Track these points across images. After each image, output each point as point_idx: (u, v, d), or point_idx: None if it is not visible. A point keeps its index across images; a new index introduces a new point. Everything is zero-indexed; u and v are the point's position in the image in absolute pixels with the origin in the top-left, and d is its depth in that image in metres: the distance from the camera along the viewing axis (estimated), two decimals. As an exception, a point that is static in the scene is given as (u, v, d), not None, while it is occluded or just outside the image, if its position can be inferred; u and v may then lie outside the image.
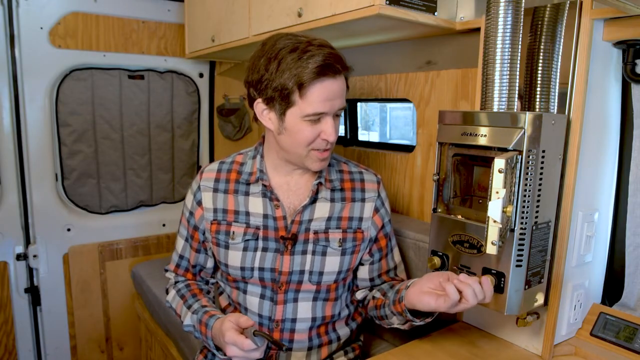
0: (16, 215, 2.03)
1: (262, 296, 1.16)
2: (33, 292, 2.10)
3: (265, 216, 1.15)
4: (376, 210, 1.21)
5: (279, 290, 1.14)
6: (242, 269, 1.15)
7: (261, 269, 1.14)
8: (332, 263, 1.15)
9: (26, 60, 1.93)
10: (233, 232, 1.15)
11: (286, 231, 1.14)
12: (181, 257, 1.26)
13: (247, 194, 1.17)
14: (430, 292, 0.96)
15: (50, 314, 2.14)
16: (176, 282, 1.26)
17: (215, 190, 1.19)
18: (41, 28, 1.94)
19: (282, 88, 1.01)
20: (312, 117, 1.03)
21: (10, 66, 1.92)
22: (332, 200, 1.18)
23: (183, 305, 1.17)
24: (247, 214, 1.16)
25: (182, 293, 1.21)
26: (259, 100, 1.07)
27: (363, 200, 1.20)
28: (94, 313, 2.26)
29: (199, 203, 1.20)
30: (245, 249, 1.14)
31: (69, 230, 2.14)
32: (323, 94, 1.01)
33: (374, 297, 1.19)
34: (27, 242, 2.07)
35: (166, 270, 1.30)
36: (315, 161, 1.09)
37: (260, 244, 1.14)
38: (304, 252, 1.14)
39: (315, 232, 1.15)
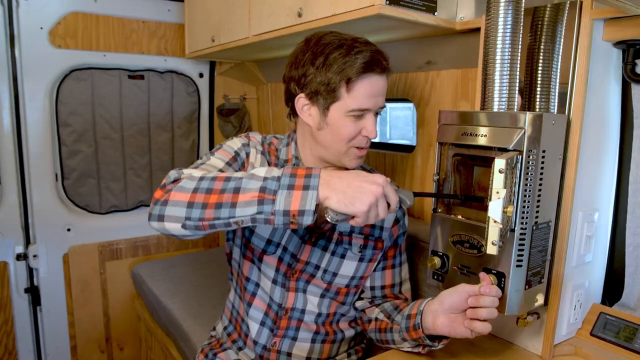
0: (16, 215, 2.04)
1: (275, 281, 1.14)
2: (33, 292, 2.11)
3: None
4: (396, 221, 1.20)
5: (292, 277, 1.13)
6: (269, 241, 1.12)
7: (284, 249, 1.12)
8: (348, 267, 1.15)
9: (26, 60, 1.93)
10: None
11: (314, 223, 1.13)
12: (221, 171, 1.03)
13: None
14: (450, 322, 0.94)
15: (50, 314, 2.14)
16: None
17: (262, 154, 1.15)
18: (41, 28, 1.94)
19: (329, 82, 1.01)
20: (356, 113, 1.03)
21: (10, 66, 1.92)
22: None
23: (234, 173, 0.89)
24: None
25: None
26: (301, 95, 1.06)
27: None
28: (94, 313, 2.26)
29: (247, 155, 1.12)
30: None
31: (69, 230, 2.14)
32: (369, 89, 1.01)
33: (376, 319, 1.16)
34: (27, 242, 2.07)
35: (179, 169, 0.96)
36: (353, 158, 1.09)
37: None
38: (325, 249, 1.13)
39: (340, 234, 1.14)
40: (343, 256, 1.14)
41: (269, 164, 1.14)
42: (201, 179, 0.87)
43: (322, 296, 1.16)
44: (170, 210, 0.86)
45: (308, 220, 0.81)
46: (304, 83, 1.05)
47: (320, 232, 1.13)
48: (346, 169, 1.16)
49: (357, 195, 0.81)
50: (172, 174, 0.93)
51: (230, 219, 0.83)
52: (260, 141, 1.17)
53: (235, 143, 1.13)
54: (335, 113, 1.03)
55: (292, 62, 1.07)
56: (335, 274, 1.14)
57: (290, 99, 1.10)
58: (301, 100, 1.07)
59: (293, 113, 1.11)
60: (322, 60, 1.01)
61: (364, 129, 1.05)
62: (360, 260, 1.16)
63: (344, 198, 0.81)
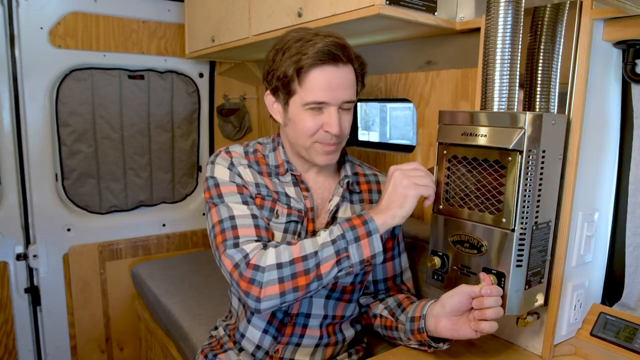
0: (16, 215, 2.04)
1: None
2: (33, 292, 2.11)
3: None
4: None
5: None
6: None
7: None
8: None
9: (26, 60, 1.93)
10: (277, 211, 1.08)
11: (313, 225, 1.11)
12: (254, 216, 1.04)
13: (278, 180, 1.13)
14: (453, 325, 0.94)
15: (50, 314, 2.14)
16: (267, 243, 1.01)
17: (250, 167, 1.11)
18: (41, 28, 1.94)
19: (284, 76, 0.99)
20: (312, 106, 1.00)
21: (10, 66, 1.92)
22: (352, 202, 1.16)
23: (304, 241, 0.97)
24: (287, 196, 1.11)
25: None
26: (268, 92, 1.06)
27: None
28: (94, 313, 2.26)
29: (240, 175, 1.08)
30: (285, 231, 1.08)
31: (69, 230, 2.14)
32: (323, 81, 0.98)
33: (381, 316, 1.17)
34: (27, 242, 2.07)
35: (236, 246, 0.98)
36: (319, 154, 1.06)
37: (299, 228, 1.09)
38: None
39: None
40: None
41: (260, 174, 1.12)
42: (279, 266, 0.93)
43: (328, 297, 1.15)
44: (267, 303, 0.94)
45: (380, 258, 0.95)
46: (268, 79, 1.05)
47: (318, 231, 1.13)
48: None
49: (400, 197, 0.96)
50: (237, 259, 0.97)
51: (318, 287, 0.95)
52: (243, 153, 1.13)
53: (223, 173, 1.08)
54: (294, 107, 1.02)
55: (264, 62, 1.08)
56: None
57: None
58: (268, 98, 1.07)
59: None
60: (280, 56, 1.00)
61: (325, 124, 1.01)
62: None
63: (395, 204, 0.96)
